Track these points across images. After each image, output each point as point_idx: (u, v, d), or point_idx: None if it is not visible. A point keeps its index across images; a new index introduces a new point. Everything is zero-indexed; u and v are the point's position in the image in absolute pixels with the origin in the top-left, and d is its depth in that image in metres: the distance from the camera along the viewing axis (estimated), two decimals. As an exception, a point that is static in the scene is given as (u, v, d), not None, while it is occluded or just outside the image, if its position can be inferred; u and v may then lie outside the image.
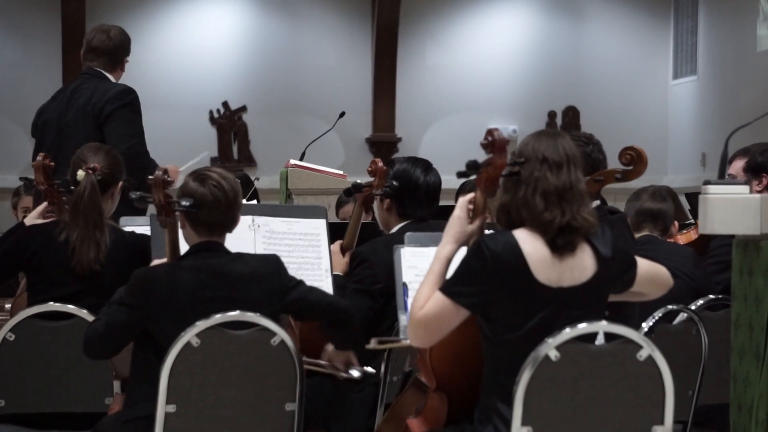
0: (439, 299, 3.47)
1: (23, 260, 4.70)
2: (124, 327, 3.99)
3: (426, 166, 5.00)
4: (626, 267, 3.65)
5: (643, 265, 3.70)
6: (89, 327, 4.10)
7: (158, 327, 3.95)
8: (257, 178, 9.39)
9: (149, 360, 3.95)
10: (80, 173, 4.68)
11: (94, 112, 6.30)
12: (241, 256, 4.09)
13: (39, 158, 4.90)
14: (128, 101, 6.34)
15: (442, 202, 5.14)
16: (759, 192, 5.05)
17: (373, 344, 4.10)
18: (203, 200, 4.00)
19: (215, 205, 4.01)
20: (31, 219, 4.93)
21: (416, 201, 4.93)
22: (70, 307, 4.48)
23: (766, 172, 5.43)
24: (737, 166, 5.51)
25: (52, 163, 4.92)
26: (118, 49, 6.57)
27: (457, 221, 3.60)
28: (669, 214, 5.52)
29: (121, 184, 4.88)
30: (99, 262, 4.60)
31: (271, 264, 4.10)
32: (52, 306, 4.49)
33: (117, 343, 4.07)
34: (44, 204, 4.95)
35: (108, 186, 4.79)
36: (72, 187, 4.72)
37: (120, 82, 6.58)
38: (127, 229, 4.93)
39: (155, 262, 4.19)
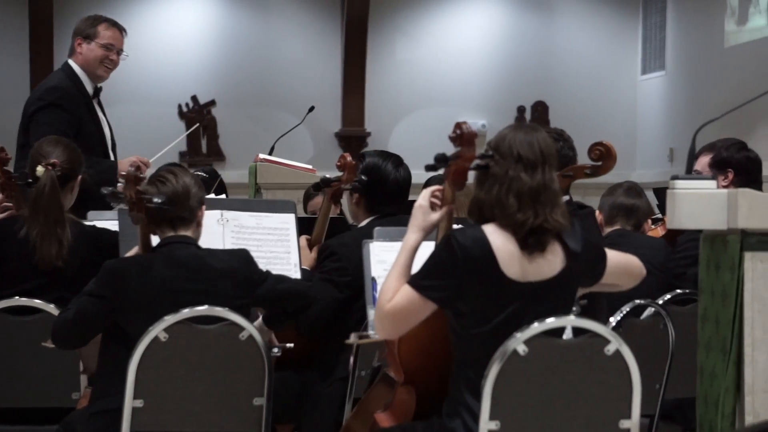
0: (407, 293, 3.47)
1: None
2: (94, 318, 4.00)
3: (397, 161, 4.99)
4: (595, 261, 3.66)
5: (614, 257, 3.71)
6: (58, 316, 4.12)
7: (128, 318, 3.95)
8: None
9: (118, 352, 3.95)
10: (39, 169, 4.61)
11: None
12: (212, 252, 4.12)
13: None
14: (50, 101, 6.21)
15: (410, 197, 5.12)
16: (725, 187, 5.06)
17: (353, 339, 4.11)
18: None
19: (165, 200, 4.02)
20: None
21: (385, 196, 4.92)
22: (37, 302, 4.44)
23: (731, 167, 5.44)
24: (703, 162, 5.52)
25: (9, 157, 4.88)
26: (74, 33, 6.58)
27: (420, 210, 3.60)
28: (643, 210, 5.54)
29: (80, 177, 4.84)
30: (62, 257, 4.54)
31: (241, 258, 4.11)
32: (19, 301, 4.46)
33: (85, 334, 4.08)
34: None
35: (67, 180, 4.74)
36: (30, 180, 4.65)
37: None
38: (95, 223, 4.89)
39: (129, 253, 4.20)
